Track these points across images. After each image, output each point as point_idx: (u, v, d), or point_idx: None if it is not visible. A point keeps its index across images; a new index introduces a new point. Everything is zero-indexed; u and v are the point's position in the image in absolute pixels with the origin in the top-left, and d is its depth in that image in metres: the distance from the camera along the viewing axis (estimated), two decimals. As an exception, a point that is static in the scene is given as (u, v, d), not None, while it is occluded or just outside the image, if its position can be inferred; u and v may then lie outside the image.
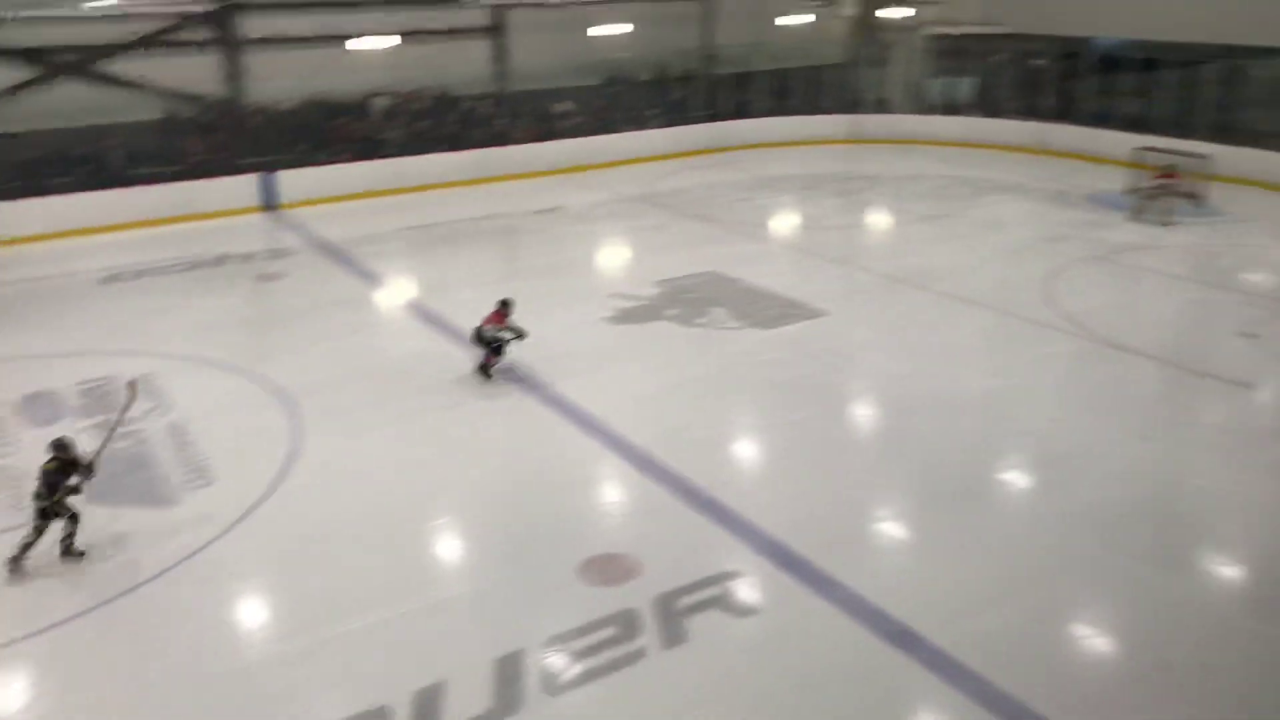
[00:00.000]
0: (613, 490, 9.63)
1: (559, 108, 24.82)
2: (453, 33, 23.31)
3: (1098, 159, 23.32)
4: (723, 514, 8.89)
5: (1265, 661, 6.97)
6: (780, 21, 26.92)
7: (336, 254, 17.49)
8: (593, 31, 23.91)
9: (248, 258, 17.31)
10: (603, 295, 14.83)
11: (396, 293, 15.88)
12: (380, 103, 23.08)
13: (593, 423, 10.73)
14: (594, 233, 19.24)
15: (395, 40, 21.20)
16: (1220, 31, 22.27)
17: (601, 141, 24.58)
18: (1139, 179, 19.76)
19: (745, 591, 7.81)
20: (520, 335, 11.70)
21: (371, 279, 16.25)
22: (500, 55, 24.35)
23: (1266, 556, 8.39)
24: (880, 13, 28.10)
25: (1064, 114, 25.39)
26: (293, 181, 20.79)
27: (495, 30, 24.21)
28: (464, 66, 23.78)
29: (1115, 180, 20.85)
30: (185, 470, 9.77)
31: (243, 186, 20.37)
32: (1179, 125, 22.92)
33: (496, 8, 23.87)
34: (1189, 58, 23.24)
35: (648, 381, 11.90)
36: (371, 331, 14.10)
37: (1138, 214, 18.61)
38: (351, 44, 20.85)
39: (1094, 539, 8.47)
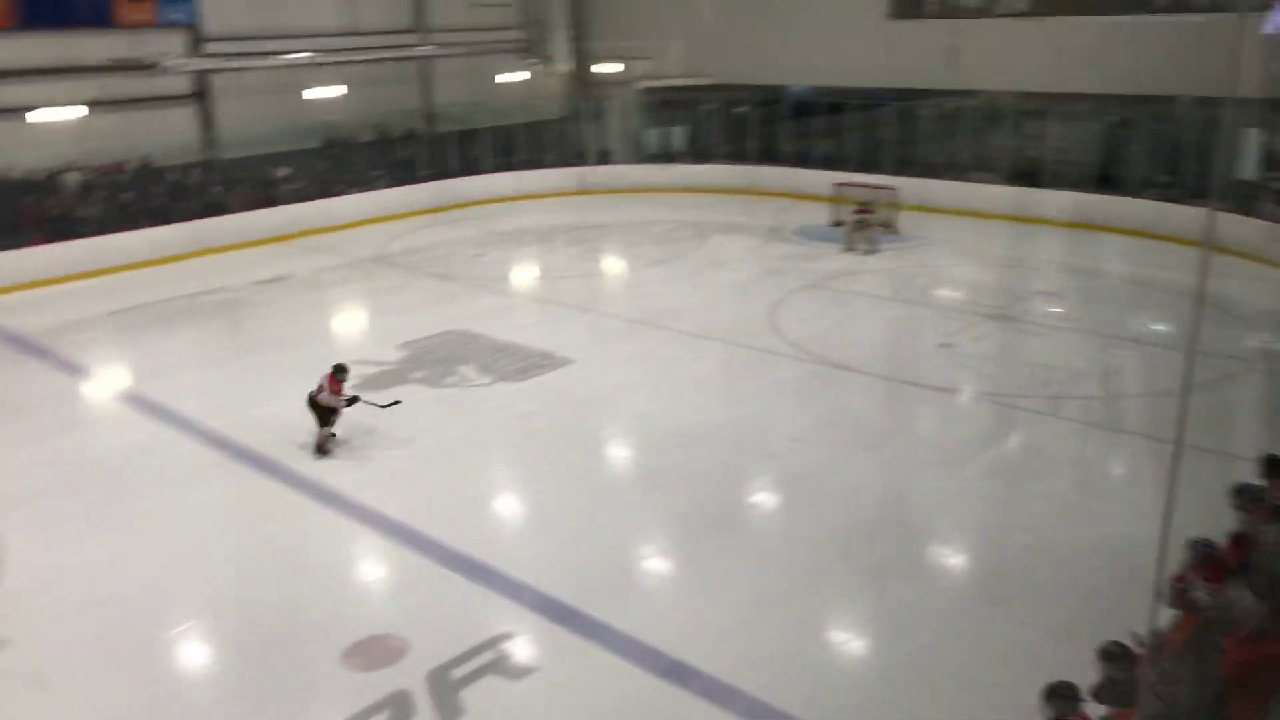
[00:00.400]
0: (371, 568, 9.23)
1: (277, 173, 23.80)
2: (151, 100, 21.86)
3: (802, 196, 25.30)
4: (489, 576, 8.75)
5: (998, 644, 7.69)
6: (500, 79, 27.37)
7: (31, 347, 15.75)
8: (308, 94, 23.20)
9: (-81, 360, 15.23)
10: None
11: (108, 383, 14.49)
12: (73, 178, 21.14)
13: (343, 499, 10.26)
14: (326, 299, 18.52)
15: (82, 111, 19.55)
16: (892, 78, 24.99)
17: (326, 205, 23.77)
18: (840, 212, 21.73)
19: (520, 651, 7.71)
20: (352, 401, 11.26)
21: (78, 371, 14.75)
22: (207, 122, 23.09)
23: (986, 550, 9.30)
24: (595, 68, 29.25)
25: (769, 156, 27.43)
26: (-30, 270, 18.58)
27: (199, 96, 22.95)
28: (168, 135, 22.33)
29: (819, 215, 22.75)
30: None
31: (-94, 280, 17.96)
32: (868, 162, 25.41)
33: (198, 73, 22.65)
34: (868, 101, 25.86)
35: (398, 449, 11.54)
36: (83, 429, 12.76)
37: (850, 245, 20.32)
38: (33, 116, 19.03)
39: (837, 551, 9.07)
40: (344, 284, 19.42)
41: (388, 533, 9.59)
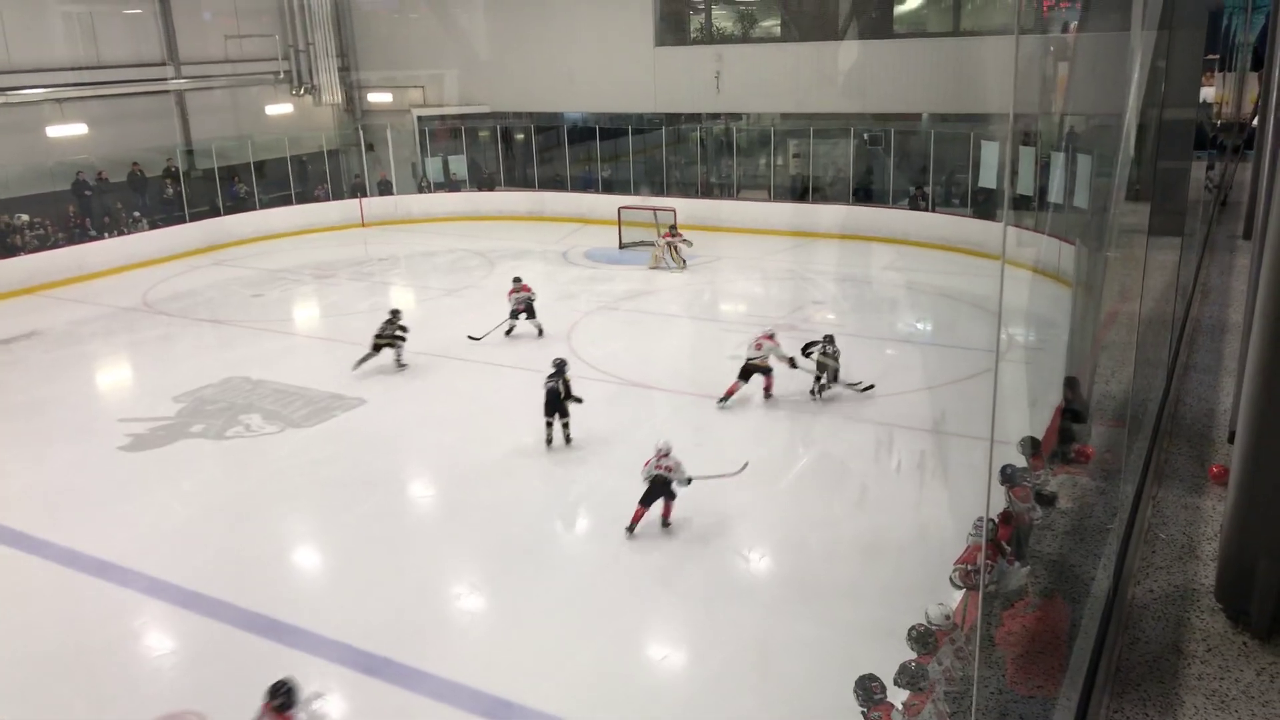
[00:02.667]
0: (160, 640, 8.54)
1: (17, 219, 21.67)
2: None
3: (587, 220, 25.71)
4: (292, 635, 8.30)
5: (809, 645, 8.05)
6: (269, 111, 26.24)
7: None
8: (51, 132, 21.32)
9: None
10: (111, 422, 13.19)
11: None
12: None
13: (121, 569, 9.44)
14: (87, 354, 17.02)
15: None
16: (661, 103, 25.90)
17: (77, 252, 21.86)
18: (629, 234, 22.32)
19: (335, 710, 7.38)
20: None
21: None
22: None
23: (789, 554, 9.70)
24: (367, 97, 28.61)
25: (552, 182, 27.70)
26: None
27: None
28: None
29: (606, 238, 23.17)
30: None
31: None
32: (647, 184, 26.18)
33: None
34: (642, 126, 26.66)
35: (181, 510, 10.76)
36: None
37: (664, 264, 20.81)
38: None
39: (650, 571, 9.22)
40: (106, 336, 17.95)
41: (175, 600, 8.90)
